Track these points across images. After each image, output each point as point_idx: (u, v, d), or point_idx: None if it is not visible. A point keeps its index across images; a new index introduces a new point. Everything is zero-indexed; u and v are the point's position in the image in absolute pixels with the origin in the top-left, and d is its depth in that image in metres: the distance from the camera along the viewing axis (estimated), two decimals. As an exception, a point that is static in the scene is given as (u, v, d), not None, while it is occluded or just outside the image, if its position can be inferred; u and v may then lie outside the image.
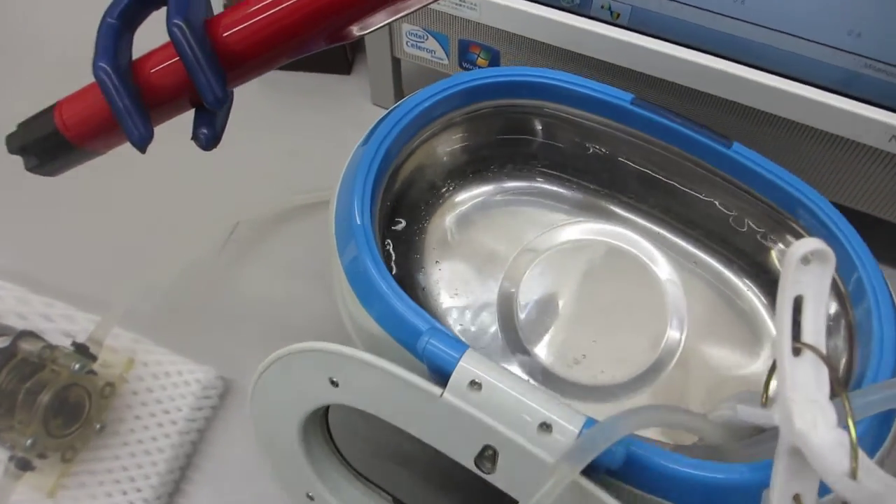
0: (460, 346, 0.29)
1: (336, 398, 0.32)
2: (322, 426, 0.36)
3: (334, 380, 0.32)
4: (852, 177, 0.42)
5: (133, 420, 0.46)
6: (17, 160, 0.32)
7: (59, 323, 0.48)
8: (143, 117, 0.28)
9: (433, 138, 0.39)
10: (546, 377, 0.38)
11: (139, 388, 0.47)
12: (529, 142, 0.43)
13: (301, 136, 0.59)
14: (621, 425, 0.27)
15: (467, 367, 0.29)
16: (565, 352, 0.39)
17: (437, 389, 0.29)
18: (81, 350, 0.43)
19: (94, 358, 0.44)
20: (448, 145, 0.41)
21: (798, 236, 0.36)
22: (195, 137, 0.30)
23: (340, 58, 0.60)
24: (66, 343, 0.45)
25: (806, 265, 0.26)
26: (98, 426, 0.44)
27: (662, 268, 0.42)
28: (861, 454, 0.23)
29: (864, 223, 0.35)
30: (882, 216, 0.44)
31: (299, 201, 0.53)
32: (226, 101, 0.29)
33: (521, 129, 0.42)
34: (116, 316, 0.46)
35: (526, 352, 0.39)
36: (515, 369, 0.39)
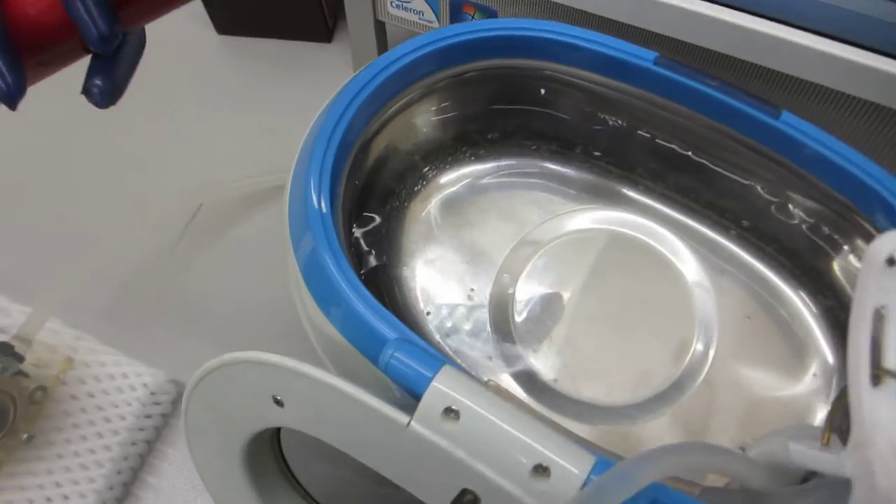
0: (434, 360, 0.23)
1: (281, 420, 0.26)
2: (273, 449, 0.30)
3: (279, 398, 0.25)
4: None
5: (70, 429, 0.41)
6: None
7: (-7, 317, 0.43)
8: (12, 65, 0.22)
9: (411, 107, 0.33)
10: (546, 394, 0.32)
11: (79, 393, 0.42)
12: (529, 112, 0.36)
13: (275, 111, 0.53)
14: (642, 471, 0.21)
15: (442, 388, 0.23)
16: (570, 364, 0.33)
17: (403, 417, 0.23)
18: (2, 350, 0.37)
19: (19, 358, 0.38)
20: (430, 115, 0.35)
21: (868, 237, 0.30)
22: (86, 91, 0.24)
23: (319, 23, 0.53)
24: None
25: (892, 267, 0.19)
26: (26, 436, 0.39)
27: (688, 265, 0.35)
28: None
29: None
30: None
31: (267, 182, 0.47)
32: (115, 41, 0.23)
33: (519, 97, 0.36)
34: (49, 309, 0.41)
35: (523, 364, 0.33)
36: (509, 384, 0.32)
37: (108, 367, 0.42)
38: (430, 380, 0.23)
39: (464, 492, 0.23)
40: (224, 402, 0.28)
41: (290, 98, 0.54)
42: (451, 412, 0.23)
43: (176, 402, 0.42)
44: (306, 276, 0.28)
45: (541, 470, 0.21)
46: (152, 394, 0.41)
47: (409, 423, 0.23)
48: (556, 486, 0.21)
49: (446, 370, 0.23)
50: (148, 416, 0.41)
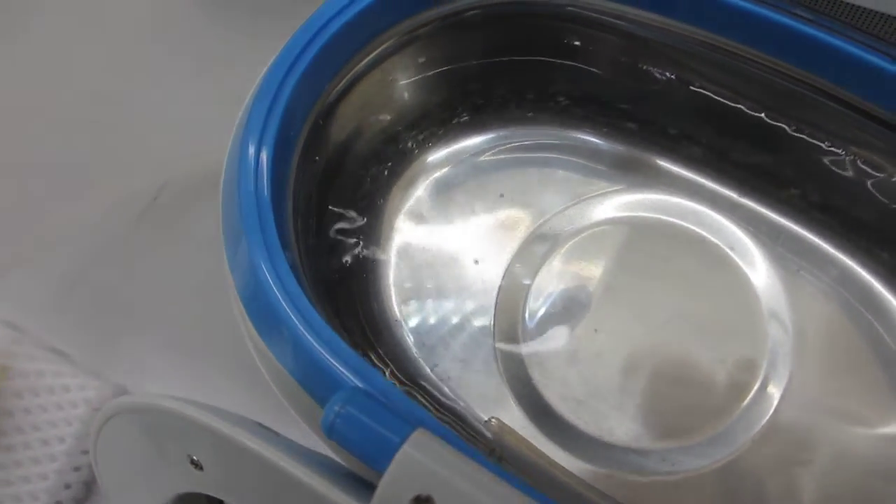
0: (400, 423, 0.16)
1: (200, 485, 0.20)
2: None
3: (196, 459, 0.19)
4: None
5: (3, 452, 0.35)
6: None
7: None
8: None
9: (389, 58, 0.25)
10: (564, 434, 0.25)
11: (15, 408, 0.37)
12: (546, 65, 0.28)
13: (253, 73, 0.46)
14: None
15: (411, 466, 0.16)
16: (595, 395, 0.26)
17: (352, 505, 0.16)
18: None
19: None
20: (413, 71, 0.26)
21: None
22: None
23: (302, -37, 0.46)
24: None
25: None
26: None
27: (756, 265, 0.27)
28: None
29: None
30: None
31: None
32: None
33: (535, 46, 0.27)
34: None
35: (535, 394, 0.26)
36: (517, 421, 0.25)
37: (47, 379, 0.36)
38: (395, 450, 0.16)
39: None
40: (135, 456, 0.21)
41: (269, 56, 0.47)
42: (422, 502, 0.16)
43: None
44: (243, 295, 0.21)
45: None
46: (96, 411, 0.35)
47: (363, 517, 0.16)
48: None
49: (419, 438, 0.16)
50: (91, 436, 0.35)
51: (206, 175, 0.42)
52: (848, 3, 0.24)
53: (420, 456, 0.16)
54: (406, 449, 0.16)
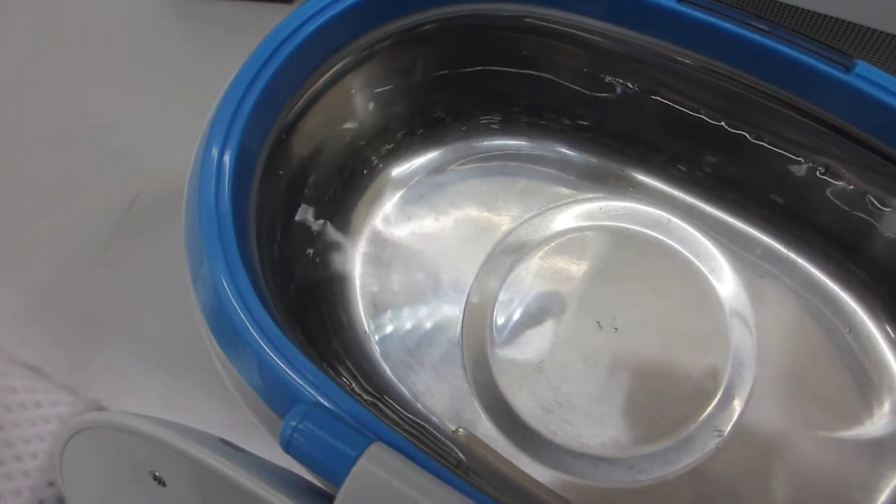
0: (357, 436, 0.16)
1: (164, 502, 0.19)
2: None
3: (158, 475, 0.19)
4: None
5: None
6: None
7: None
8: None
9: (350, 73, 0.25)
10: (532, 443, 0.25)
11: None
12: (506, 77, 0.28)
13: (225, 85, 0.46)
14: None
15: (367, 479, 0.16)
16: (563, 403, 0.26)
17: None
18: None
19: None
20: (374, 85, 0.27)
21: None
22: None
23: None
24: None
25: None
26: None
27: (720, 271, 0.27)
28: None
29: None
30: None
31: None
32: None
33: (493, 57, 0.28)
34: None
35: (503, 404, 0.26)
36: (486, 431, 0.25)
37: (19, 395, 0.36)
38: (352, 464, 0.16)
39: None
40: (100, 473, 0.21)
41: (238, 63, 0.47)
42: (379, 520, 0.16)
43: None
44: (204, 306, 0.21)
45: None
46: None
47: (320, 531, 0.16)
48: None
49: (375, 451, 0.16)
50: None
51: (179, 187, 0.42)
52: (804, 12, 0.25)
53: (376, 469, 0.16)
54: (362, 462, 0.16)
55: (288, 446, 0.17)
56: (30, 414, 0.36)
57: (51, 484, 0.35)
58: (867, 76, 0.21)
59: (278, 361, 0.19)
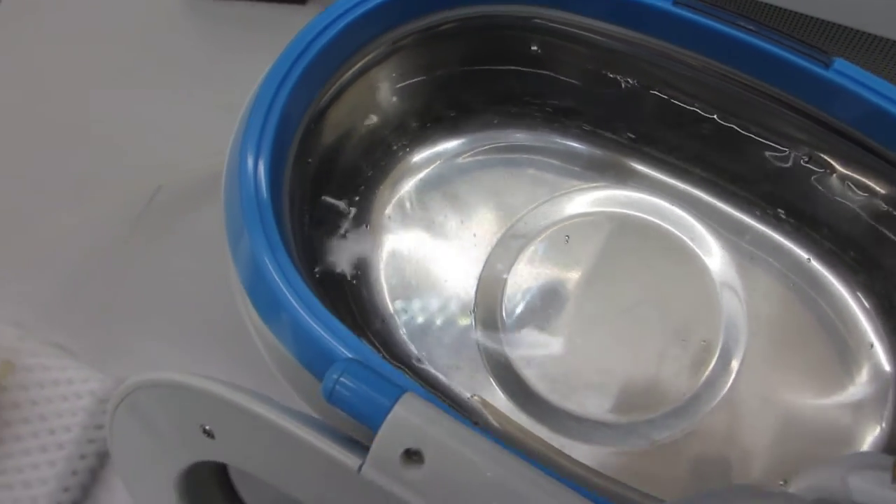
0: (391, 387, 0.18)
1: (212, 453, 0.22)
2: (218, 482, 0.26)
3: (208, 429, 0.21)
4: None
5: (12, 442, 0.37)
6: None
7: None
8: None
9: (373, 68, 0.27)
10: (542, 410, 0.28)
11: (22, 400, 0.38)
12: (517, 74, 0.31)
13: (242, 83, 0.47)
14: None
15: (402, 423, 0.18)
16: (570, 374, 0.28)
17: (353, 460, 0.18)
18: (-78, 355, 0.33)
19: (-57, 364, 0.34)
20: (397, 79, 0.29)
21: None
22: None
23: (293, -17, 0.48)
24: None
25: None
26: None
27: (712, 253, 0.30)
28: None
29: None
30: None
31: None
32: None
33: (505, 56, 0.30)
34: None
35: (514, 374, 0.28)
36: (498, 399, 0.27)
37: (52, 372, 0.38)
38: (388, 411, 0.18)
39: (430, 556, 0.18)
40: (150, 428, 0.23)
41: (258, 67, 0.49)
42: (412, 455, 0.18)
43: None
44: (246, 282, 0.23)
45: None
46: (100, 402, 0.37)
47: (360, 468, 0.18)
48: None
49: (408, 399, 0.18)
50: (97, 427, 0.37)
51: (198, 178, 0.44)
52: (788, 13, 0.27)
53: (409, 415, 0.18)
54: (397, 409, 0.18)
55: (330, 396, 0.19)
56: (62, 390, 0.38)
57: (83, 456, 0.37)
58: (844, 72, 0.23)
59: (315, 325, 0.21)
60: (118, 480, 0.37)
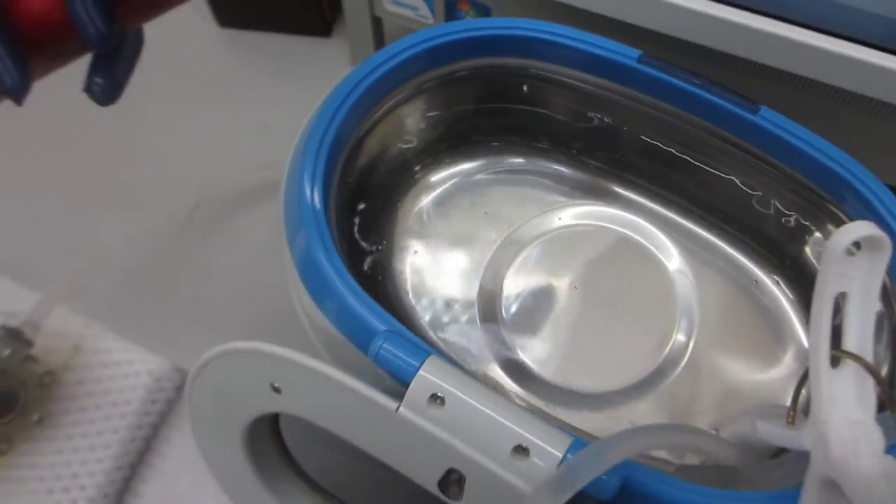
0: (420, 351, 0.25)
1: (279, 406, 0.28)
2: (272, 434, 0.32)
3: (276, 385, 0.27)
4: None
5: (78, 412, 0.43)
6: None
7: (1, 301, 0.44)
8: (19, 62, 0.23)
9: (402, 106, 0.34)
10: (534, 384, 0.34)
11: (86, 378, 0.43)
12: (517, 111, 0.37)
13: (274, 106, 0.54)
14: (614, 450, 0.22)
15: (428, 377, 0.24)
16: (557, 354, 0.34)
17: (392, 403, 0.24)
18: (13, 334, 0.39)
19: (28, 343, 0.40)
20: (419, 115, 0.36)
21: (839, 222, 0.31)
22: (87, 89, 0.25)
23: (318, 18, 0.55)
24: (9, 323, 0.41)
25: (852, 255, 0.21)
26: (37, 417, 0.41)
27: (672, 257, 0.36)
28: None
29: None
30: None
31: (263, 179, 0.48)
32: (113, 42, 0.24)
33: (507, 96, 0.37)
34: (57, 297, 0.42)
35: (512, 355, 0.34)
36: (499, 375, 0.34)
37: (114, 354, 0.43)
38: (417, 369, 0.24)
39: (450, 471, 0.24)
40: (225, 389, 0.29)
41: (288, 92, 0.55)
42: (436, 398, 0.24)
43: (180, 389, 0.44)
44: (301, 270, 0.29)
45: (521, 450, 0.23)
46: (157, 380, 0.43)
47: (397, 409, 0.24)
48: (535, 465, 0.23)
49: (432, 360, 0.25)
50: (153, 402, 0.43)
51: (233, 195, 0.50)
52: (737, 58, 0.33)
53: (433, 370, 0.24)
54: (425, 365, 0.24)
55: (376, 358, 0.25)
56: (124, 370, 0.43)
57: (139, 426, 0.42)
58: (767, 117, 0.30)
59: (359, 306, 0.27)
60: (169, 447, 0.43)
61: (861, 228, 0.20)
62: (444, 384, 0.24)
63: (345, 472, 0.36)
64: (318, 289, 0.28)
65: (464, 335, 0.35)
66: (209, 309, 0.46)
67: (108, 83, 0.25)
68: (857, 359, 0.21)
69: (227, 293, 0.47)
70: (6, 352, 0.38)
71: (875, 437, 0.20)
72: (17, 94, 0.23)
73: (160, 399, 0.43)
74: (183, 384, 0.44)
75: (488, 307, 0.36)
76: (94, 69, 0.25)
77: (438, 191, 0.38)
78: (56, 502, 0.40)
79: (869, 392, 0.21)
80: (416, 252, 0.37)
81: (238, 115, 0.54)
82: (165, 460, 0.42)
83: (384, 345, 0.25)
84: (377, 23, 0.50)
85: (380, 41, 0.51)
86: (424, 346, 0.26)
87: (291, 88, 0.55)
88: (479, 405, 0.24)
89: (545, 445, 0.23)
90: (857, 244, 0.21)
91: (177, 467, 0.42)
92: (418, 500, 0.27)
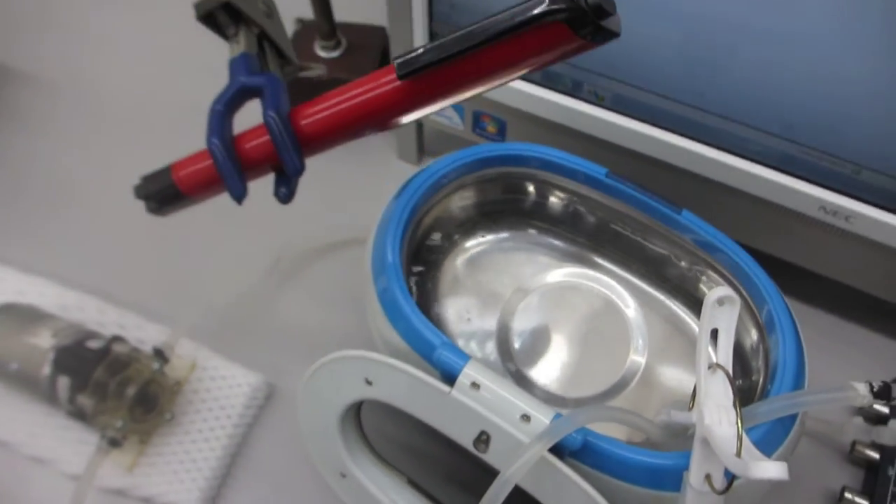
0: (465, 357, 0.39)
1: (370, 394, 0.42)
2: (355, 420, 0.46)
3: (369, 380, 0.41)
4: (781, 231, 0.52)
5: (194, 413, 0.55)
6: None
7: (132, 331, 0.58)
8: (242, 179, 0.38)
9: (449, 196, 0.50)
10: (532, 389, 0.48)
11: (200, 388, 0.56)
12: (526, 200, 0.53)
13: (336, 185, 0.67)
14: (580, 418, 0.36)
15: (470, 371, 0.39)
16: (550, 371, 0.49)
17: (446, 388, 0.39)
18: (159, 353, 0.53)
19: (167, 360, 0.53)
20: (461, 202, 0.52)
21: (724, 277, 0.47)
22: (276, 195, 0.40)
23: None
24: (141, 348, 0.54)
25: (720, 306, 0.36)
26: (168, 416, 0.53)
27: (629, 303, 0.51)
28: (745, 440, 0.32)
29: (782, 266, 0.46)
30: (801, 264, 0.54)
31: (330, 240, 0.62)
32: (303, 172, 0.39)
33: (520, 191, 0.53)
34: (184, 328, 0.56)
35: (519, 371, 0.49)
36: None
37: (220, 371, 0.57)
38: (463, 366, 0.39)
39: (482, 433, 0.39)
40: (331, 383, 0.44)
41: (346, 175, 0.68)
42: (475, 385, 0.38)
43: (270, 398, 0.57)
44: (382, 302, 0.44)
45: (525, 418, 0.37)
46: (253, 391, 0.56)
47: (450, 392, 0.39)
48: (533, 426, 0.37)
49: (472, 362, 0.39)
50: (249, 407, 0.56)
51: (307, 251, 0.62)
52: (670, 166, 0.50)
53: (474, 368, 0.39)
54: (468, 365, 0.39)
55: (437, 361, 0.39)
56: (228, 382, 0.56)
57: (237, 426, 0.55)
58: (687, 217, 0.46)
59: (422, 326, 0.42)
60: (260, 443, 0.55)
61: (722, 290, 0.35)
62: (479, 376, 0.39)
63: (399, 450, 0.49)
64: (394, 314, 0.42)
65: (484, 357, 0.50)
66: (290, 337, 0.59)
67: (288, 192, 0.40)
68: (722, 368, 0.36)
69: (304, 325, 0.60)
70: (156, 365, 0.52)
71: (730, 414, 0.34)
72: (240, 198, 0.39)
73: (254, 405, 0.56)
74: (272, 394, 0.58)
75: (503, 339, 0.51)
76: (279, 183, 0.40)
77: (470, 254, 0.53)
78: (180, 480, 0.52)
79: (729, 389, 0.35)
80: (452, 295, 0.52)
81: (308, 191, 0.63)
82: (258, 453, 0.55)
83: (443, 351, 0.40)
84: (419, 126, 0.66)
85: (420, 139, 0.67)
86: (466, 354, 0.41)
87: (350, 172, 0.67)
88: (501, 390, 0.38)
89: (539, 415, 0.37)
90: (720, 300, 0.36)
91: (267, 458, 0.54)
92: (454, 474, 0.40)
